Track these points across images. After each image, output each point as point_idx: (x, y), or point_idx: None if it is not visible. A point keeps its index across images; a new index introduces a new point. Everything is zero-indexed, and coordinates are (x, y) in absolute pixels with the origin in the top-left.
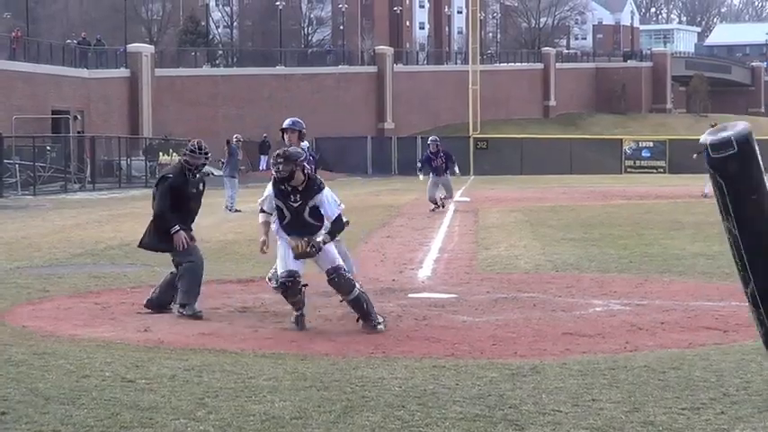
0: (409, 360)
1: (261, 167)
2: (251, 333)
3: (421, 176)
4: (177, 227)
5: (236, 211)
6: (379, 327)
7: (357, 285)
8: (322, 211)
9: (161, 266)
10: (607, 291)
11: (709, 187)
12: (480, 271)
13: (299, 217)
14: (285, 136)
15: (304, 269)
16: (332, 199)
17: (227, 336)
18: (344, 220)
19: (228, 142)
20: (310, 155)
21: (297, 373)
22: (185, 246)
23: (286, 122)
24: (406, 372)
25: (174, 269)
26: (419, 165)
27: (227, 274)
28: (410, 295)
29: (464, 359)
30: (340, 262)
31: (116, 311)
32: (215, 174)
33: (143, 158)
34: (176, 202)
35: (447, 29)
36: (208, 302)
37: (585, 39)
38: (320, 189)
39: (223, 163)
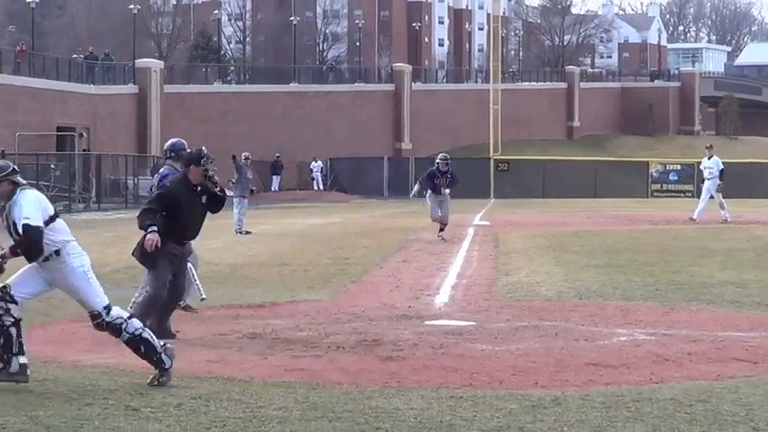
0: (425, 390)
1: (273, 188)
2: (260, 360)
3: (413, 194)
4: (154, 227)
5: (247, 233)
6: (161, 380)
7: (134, 324)
8: None
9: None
10: (632, 319)
11: (699, 212)
12: (500, 298)
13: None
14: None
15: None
16: (21, 211)
17: (235, 363)
18: (35, 228)
19: (235, 158)
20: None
21: (308, 402)
22: (153, 249)
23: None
24: (422, 402)
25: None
26: (419, 181)
27: (236, 299)
28: (427, 322)
29: (482, 390)
30: (97, 306)
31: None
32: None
33: (150, 177)
34: (170, 213)
35: (467, 46)
36: (216, 328)
37: (611, 57)
38: (16, 202)
39: (233, 183)
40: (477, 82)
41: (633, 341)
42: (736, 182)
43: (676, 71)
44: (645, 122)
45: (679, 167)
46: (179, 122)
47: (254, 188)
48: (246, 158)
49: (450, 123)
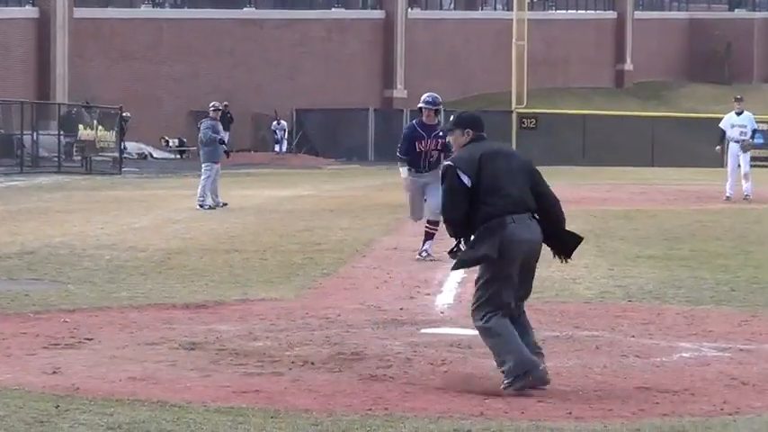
0: (421, 420)
1: None
2: (201, 379)
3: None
4: None
5: (222, 205)
6: None
7: None
8: None
9: (76, 283)
10: (699, 330)
11: (732, 187)
12: None
13: None
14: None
15: None
16: None
17: (167, 382)
18: None
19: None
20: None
21: None
22: None
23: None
24: None
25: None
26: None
27: (168, 297)
28: (424, 330)
29: (497, 420)
30: None
31: (13, 346)
32: (154, 156)
33: (55, 133)
34: None
35: None
36: (142, 335)
37: None
38: None
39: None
40: (495, 9)
41: (700, 358)
42: None
43: None
44: (720, 66)
45: (766, 128)
46: (93, 59)
47: (225, 147)
48: (216, 109)
49: (458, 65)
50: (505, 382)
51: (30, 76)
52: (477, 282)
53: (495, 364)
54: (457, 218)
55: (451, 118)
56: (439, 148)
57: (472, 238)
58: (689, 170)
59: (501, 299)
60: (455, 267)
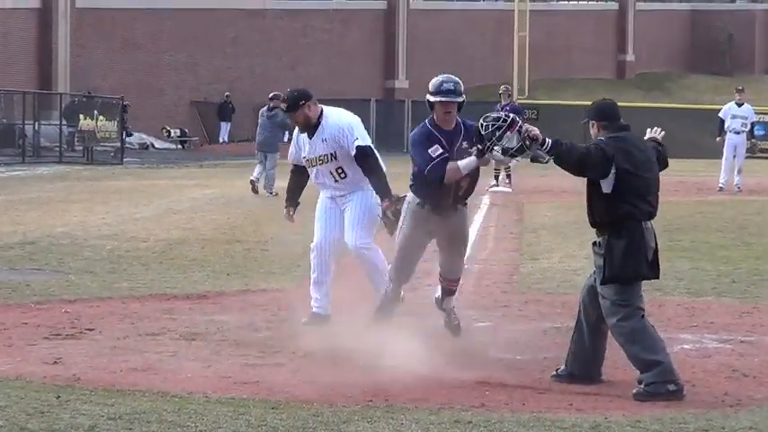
0: (422, 412)
1: (221, 139)
2: (202, 369)
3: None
4: None
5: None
6: None
7: None
8: None
9: (77, 273)
10: (700, 321)
11: (726, 179)
12: (524, 290)
13: None
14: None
15: None
16: None
17: (168, 372)
18: None
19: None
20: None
21: (264, 426)
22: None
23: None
24: (418, 428)
25: None
26: None
27: (170, 287)
28: (425, 321)
29: (498, 412)
30: None
31: (14, 336)
32: (155, 146)
33: (57, 123)
34: None
35: None
36: (143, 326)
37: None
38: None
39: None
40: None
41: (701, 350)
42: None
43: None
44: (722, 57)
45: (767, 119)
46: (95, 49)
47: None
48: (275, 98)
49: (460, 55)
50: (644, 388)
51: (31, 65)
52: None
53: (499, 354)
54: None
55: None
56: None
57: (607, 242)
58: (690, 161)
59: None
60: (606, 282)
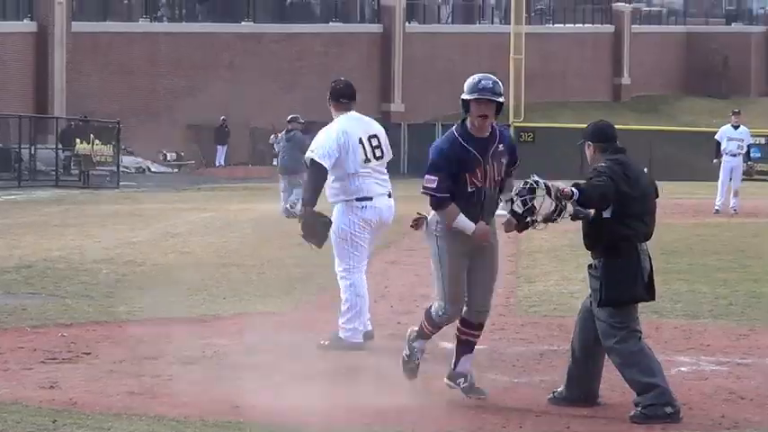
0: None
1: (217, 162)
2: (199, 393)
3: None
4: None
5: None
6: None
7: None
8: None
9: (74, 297)
10: (696, 344)
11: (722, 201)
12: (521, 313)
13: None
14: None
15: None
16: None
17: (164, 396)
18: None
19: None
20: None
21: None
22: None
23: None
24: None
25: None
26: None
27: (166, 311)
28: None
29: None
30: None
31: (11, 360)
32: (152, 169)
33: (53, 147)
34: None
35: None
36: (140, 349)
37: None
38: None
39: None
40: (492, 23)
41: (698, 373)
42: None
43: (761, 11)
44: (717, 80)
45: (763, 141)
46: (91, 73)
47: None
48: (293, 120)
49: (456, 78)
50: (641, 411)
51: (27, 89)
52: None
53: (496, 377)
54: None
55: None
56: (502, 175)
57: (603, 265)
58: (687, 184)
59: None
60: (602, 304)
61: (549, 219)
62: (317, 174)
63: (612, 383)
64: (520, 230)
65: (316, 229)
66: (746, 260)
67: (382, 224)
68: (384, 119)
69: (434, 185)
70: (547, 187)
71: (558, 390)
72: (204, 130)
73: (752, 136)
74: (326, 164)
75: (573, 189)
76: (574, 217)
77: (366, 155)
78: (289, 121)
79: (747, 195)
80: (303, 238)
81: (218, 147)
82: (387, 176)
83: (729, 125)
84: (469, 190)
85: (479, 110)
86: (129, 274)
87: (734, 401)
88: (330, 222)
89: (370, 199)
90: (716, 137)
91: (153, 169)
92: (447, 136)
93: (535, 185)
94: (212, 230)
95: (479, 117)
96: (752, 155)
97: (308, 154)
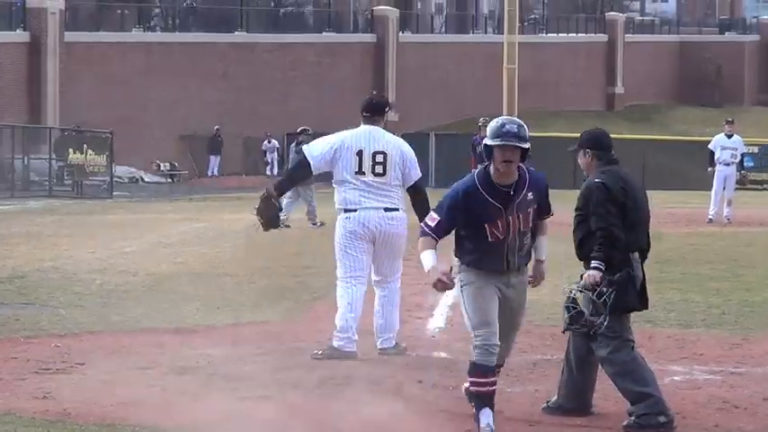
0: None
1: (210, 172)
2: (191, 403)
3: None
4: None
5: (319, 224)
6: None
7: None
8: None
9: (67, 307)
10: (690, 353)
11: (715, 210)
12: None
13: None
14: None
15: None
16: None
17: (157, 406)
18: None
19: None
20: None
21: None
22: None
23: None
24: None
25: None
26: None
27: (159, 321)
28: (415, 354)
29: None
30: None
31: (4, 370)
32: (145, 180)
33: (46, 157)
34: None
35: None
36: (132, 360)
37: (667, 1)
38: None
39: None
40: (486, 33)
41: (691, 382)
42: None
43: (755, 20)
44: (711, 89)
45: (756, 150)
46: (85, 82)
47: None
48: (303, 132)
49: (450, 88)
50: (635, 420)
51: (21, 100)
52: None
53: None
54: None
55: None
56: (530, 225)
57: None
58: (680, 193)
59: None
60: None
61: (599, 315)
62: (300, 167)
63: (606, 393)
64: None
65: (267, 212)
66: (739, 269)
67: (379, 235)
68: None
69: (433, 225)
70: (583, 293)
71: (552, 399)
72: (197, 139)
73: (745, 145)
74: (312, 162)
75: (597, 269)
76: (611, 283)
77: (361, 167)
78: (298, 133)
79: (740, 204)
80: (255, 214)
81: (211, 157)
82: (387, 193)
83: (723, 134)
84: (489, 240)
85: (503, 155)
86: (123, 284)
87: (727, 410)
88: (277, 215)
89: (354, 210)
90: (709, 146)
91: (146, 179)
92: (468, 180)
93: (573, 297)
94: (205, 240)
95: (503, 163)
96: (745, 164)
97: (304, 146)
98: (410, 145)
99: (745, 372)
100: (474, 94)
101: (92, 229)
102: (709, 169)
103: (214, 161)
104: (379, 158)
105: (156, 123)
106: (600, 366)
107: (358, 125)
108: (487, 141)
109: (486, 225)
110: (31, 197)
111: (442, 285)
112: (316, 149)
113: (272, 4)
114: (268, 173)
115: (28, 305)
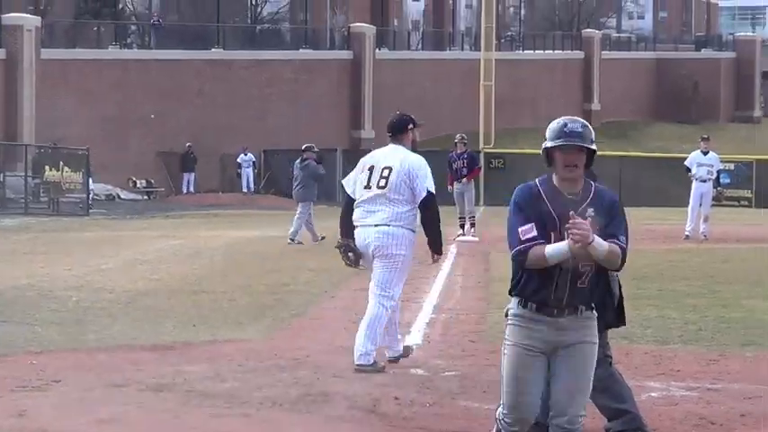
0: None
1: (184, 189)
2: (169, 420)
3: (451, 188)
4: None
5: (297, 242)
6: None
7: None
8: None
9: (43, 325)
10: (667, 369)
11: (692, 227)
12: (491, 339)
13: None
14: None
15: None
16: None
17: (135, 424)
18: None
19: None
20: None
21: None
22: None
23: None
24: None
25: None
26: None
27: (136, 338)
28: (393, 371)
29: None
30: None
31: None
32: (122, 197)
33: (22, 174)
34: None
35: (451, 2)
36: (109, 377)
37: (643, 18)
38: None
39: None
40: (463, 50)
41: (668, 398)
42: None
43: (730, 37)
44: (687, 106)
45: (733, 167)
46: (61, 99)
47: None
48: (308, 149)
49: (426, 105)
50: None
51: None
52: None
53: (467, 403)
54: None
55: None
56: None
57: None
58: (657, 210)
59: None
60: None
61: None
62: (344, 203)
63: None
64: None
65: (350, 257)
66: (716, 286)
67: (373, 250)
68: (354, 146)
69: (528, 236)
70: None
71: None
72: (174, 156)
73: (721, 162)
74: (347, 191)
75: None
76: None
77: (369, 182)
78: (303, 150)
79: (717, 221)
80: (346, 265)
81: (185, 174)
82: (384, 208)
83: (699, 151)
84: (454, 168)
85: (566, 159)
86: (99, 301)
87: (704, 426)
88: (357, 252)
89: (356, 227)
90: (685, 162)
91: (122, 196)
92: (525, 186)
93: None
94: (182, 258)
95: (565, 167)
96: (721, 180)
97: (343, 180)
98: None
99: (722, 388)
100: (451, 111)
101: (68, 247)
102: (690, 174)
103: (187, 178)
104: (386, 173)
105: (132, 140)
106: None
107: (333, 141)
108: (547, 144)
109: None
110: (6, 215)
111: (579, 231)
112: (348, 179)
113: (249, 21)
114: (244, 189)
115: (4, 322)
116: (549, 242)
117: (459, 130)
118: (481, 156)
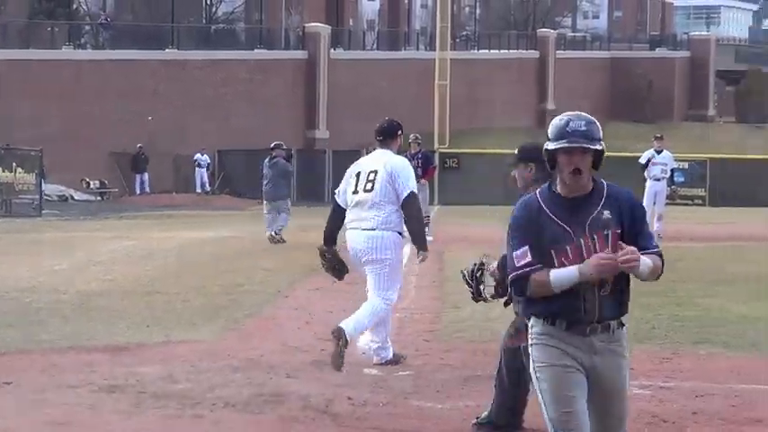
0: None
1: (137, 190)
2: (122, 421)
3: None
4: None
5: (280, 241)
6: None
7: None
8: None
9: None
10: None
11: (658, 225)
12: (446, 339)
13: None
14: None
15: None
16: None
17: (87, 425)
18: None
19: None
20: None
21: None
22: None
23: None
24: None
25: None
26: None
27: (89, 339)
28: (346, 371)
29: None
30: None
31: None
32: (75, 198)
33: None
34: None
35: (407, 1)
36: (62, 378)
37: (598, 18)
38: None
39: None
40: (418, 49)
41: None
42: (741, 185)
43: (685, 36)
44: (642, 105)
45: (686, 166)
46: (14, 100)
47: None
48: (277, 147)
49: (381, 105)
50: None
51: None
52: None
53: (420, 403)
54: None
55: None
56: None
57: None
58: None
59: None
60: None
61: (496, 293)
62: (332, 210)
63: (536, 409)
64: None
65: (331, 264)
66: (671, 284)
67: (359, 254)
68: (308, 146)
69: (523, 262)
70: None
71: (483, 415)
72: (125, 157)
73: (675, 160)
74: (338, 200)
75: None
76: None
77: (356, 188)
78: (272, 148)
79: (671, 220)
80: (325, 270)
81: (136, 175)
82: (370, 212)
83: (653, 150)
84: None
85: (570, 161)
86: (52, 302)
87: (656, 425)
88: (341, 261)
89: (347, 230)
90: (640, 160)
91: (76, 197)
92: (525, 199)
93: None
94: (135, 258)
95: (569, 171)
96: (675, 179)
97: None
98: (342, 162)
99: (675, 386)
100: (407, 111)
101: (21, 248)
102: (645, 173)
103: (138, 179)
104: (372, 176)
105: (86, 141)
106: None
107: (288, 141)
108: (549, 145)
109: (552, 252)
110: None
111: (608, 263)
112: (338, 190)
113: (204, 20)
114: (198, 190)
115: None
116: (566, 257)
117: (415, 130)
118: (436, 156)
